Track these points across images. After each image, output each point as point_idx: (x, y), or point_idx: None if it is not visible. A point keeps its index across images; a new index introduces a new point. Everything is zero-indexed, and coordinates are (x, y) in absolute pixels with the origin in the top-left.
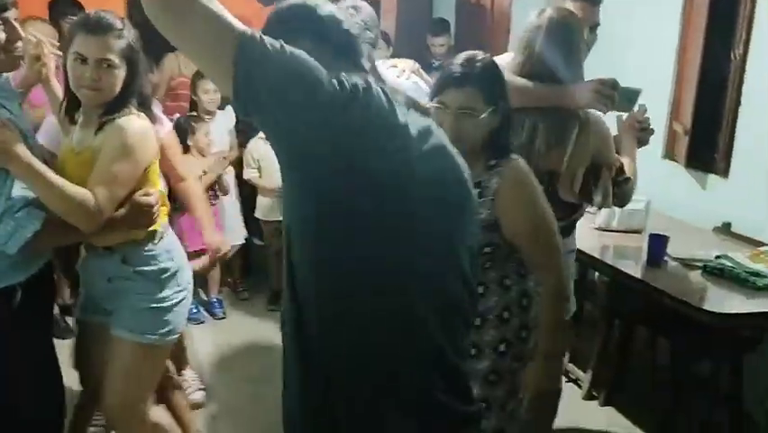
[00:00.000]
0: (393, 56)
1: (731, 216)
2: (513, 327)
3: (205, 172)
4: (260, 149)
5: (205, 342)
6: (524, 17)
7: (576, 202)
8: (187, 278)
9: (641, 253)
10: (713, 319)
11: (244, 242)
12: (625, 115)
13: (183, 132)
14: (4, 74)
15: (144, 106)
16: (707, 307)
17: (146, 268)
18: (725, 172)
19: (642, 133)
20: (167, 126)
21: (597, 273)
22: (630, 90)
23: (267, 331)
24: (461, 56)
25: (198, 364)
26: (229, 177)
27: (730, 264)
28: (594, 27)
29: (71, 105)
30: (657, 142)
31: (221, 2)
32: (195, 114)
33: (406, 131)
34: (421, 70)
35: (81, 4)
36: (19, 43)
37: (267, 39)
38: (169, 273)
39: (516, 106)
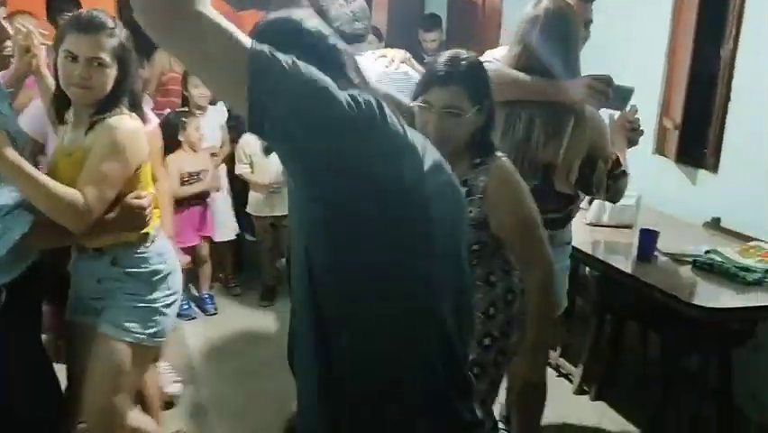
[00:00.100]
0: None
1: (721, 212)
2: (498, 322)
3: (198, 174)
4: (252, 144)
5: (197, 338)
6: (515, 12)
7: (572, 194)
8: (178, 281)
9: (631, 249)
10: (703, 314)
11: (236, 237)
12: (616, 115)
13: (173, 127)
14: None
15: (135, 106)
16: (696, 301)
17: (136, 270)
18: (714, 168)
19: (632, 133)
20: (152, 124)
21: (588, 268)
22: (624, 88)
23: (259, 327)
24: (446, 54)
25: (189, 360)
26: (221, 173)
27: (720, 259)
28: (587, 24)
29: (61, 104)
30: (648, 137)
31: None
32: (186, 109)
33: (415, 146)
34: (412, 60)
35: (79, 2)
36: (8, 42)
37: (279, 55)
38: (159, 276)
39: (512, 99)
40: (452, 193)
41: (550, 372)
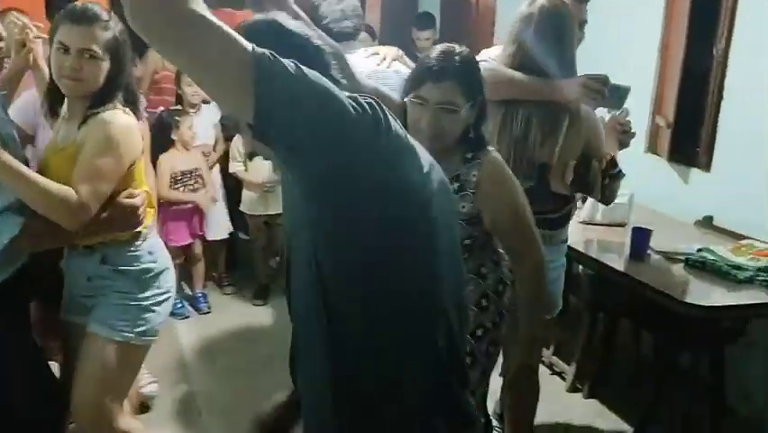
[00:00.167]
0: None
1: (713, 210)
2: (490, 313)
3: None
4: None
5: (190, 336)
6: (509, 11)
7: (567, 194)
8: (170, 280)
9: (624, 247)
10: (695, 312)
11: (229, 236)
12: (607, 117)
13: (166, 126)
14: None
15: (131, 103)
16: (688, 299)
17: (127, 268)
18: (707, 166)
19: (623, 135)
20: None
21: (581, 267)
22: (620, 88)
23: (252, 325)
24: (438, 48)
25: (183, 359)
26: (214, 173)
27: (712, 257)
28: (581, 24)
29: (54, 97)
30: (640, 136)
31: None
32: (179, 107)
33: (414, 146)
34: (405, 57)
35: None
36: (1, 43)
37: (282, 59)
38: (150, 274)
39: (508, 99)
40: (446, 192)
41: (543, 369)
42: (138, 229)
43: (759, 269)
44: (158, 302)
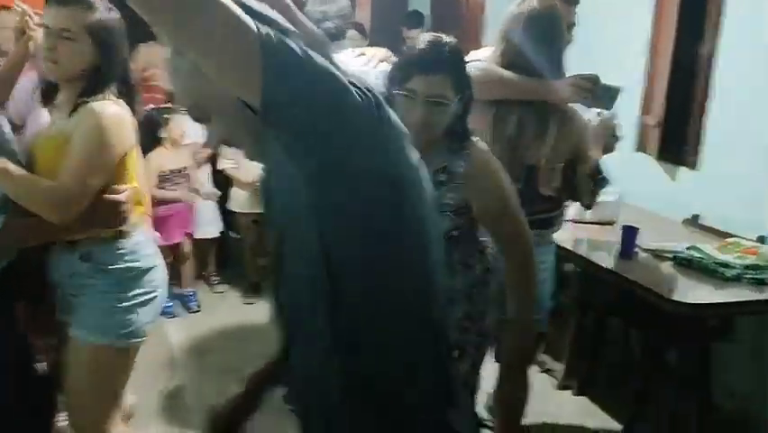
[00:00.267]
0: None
1: (701, 208)
2: (477, 303)
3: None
4: None
5: (179, 335)
6: (498, 9)
7: (554, 196)
8: (157, 278)
9: (613, 245)
10: (681, 309)
11: (220, 235)
12: (594, 121)
13: (155, 124)
14: None
15: (126, 95)
16: (675, 297)
17: (109, 266)
18: (695, 165)
19: (610, 139)
20: None
21: (570, 265)
22: (611, 88)
23: (242, 324)
24: (426, 38)
25: (172, 358)
26: (202, 172)
27: (700, 255)
28: (570, 26)
29: (48, 85)
30: (629, 135)
31: None
32: (169, 105)
33: (407, 134)
34: (393, 58)
35: None
36: None
37: (285, 38)
38: (134, 273)
39: (500, 99)
40: (429, 183)
41: (533, 367)
42: (123, 226)
43: (746, 267)
44: (142, 302)
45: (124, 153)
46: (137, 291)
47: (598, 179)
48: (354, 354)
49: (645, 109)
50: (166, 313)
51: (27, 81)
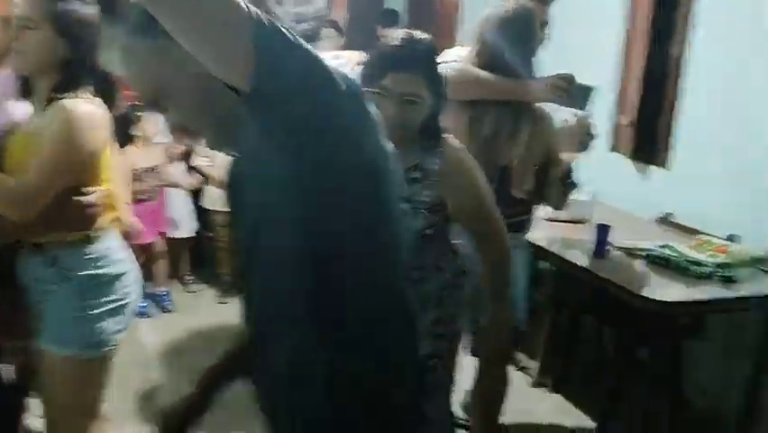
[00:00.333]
0: (344, 46)
1: (673, 207)
2: (449, 307)
3: (152, 169)
4: None
5: (153, 336)
6: (474, 8)
7: (526, 199)
8: (129, 285)
9: (587, 243)
10: (652, 307)
11: (194, 234)
12: (570, 120)
13: (128, 121)
14: None
15: (104, 93)
16: (648, 294)
17: (76, 272)
18: (667, 164)
19: (585, 138)
20: None
21: (545, 263)
22: (585, 87)
23: (217, 323)
24: (399, 36)
25: (146, 359)
26: (176, 169)
27: (672, 254)
28: (543, 25)
29: (24, 80)
30: (604, 135)
31: None
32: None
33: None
34: None
35: None
36: None
37: (275, 22)
38: (103, 280)
39: (476, 99)
40: (401, 178)
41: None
42: (90, 231)
43: (718, 265)
44: (111, 310)
45: (95, 154)
46: (105, 299)
47: (568, 183)
48: (342, 350)
49: (619, 109)
50: (139, 313)
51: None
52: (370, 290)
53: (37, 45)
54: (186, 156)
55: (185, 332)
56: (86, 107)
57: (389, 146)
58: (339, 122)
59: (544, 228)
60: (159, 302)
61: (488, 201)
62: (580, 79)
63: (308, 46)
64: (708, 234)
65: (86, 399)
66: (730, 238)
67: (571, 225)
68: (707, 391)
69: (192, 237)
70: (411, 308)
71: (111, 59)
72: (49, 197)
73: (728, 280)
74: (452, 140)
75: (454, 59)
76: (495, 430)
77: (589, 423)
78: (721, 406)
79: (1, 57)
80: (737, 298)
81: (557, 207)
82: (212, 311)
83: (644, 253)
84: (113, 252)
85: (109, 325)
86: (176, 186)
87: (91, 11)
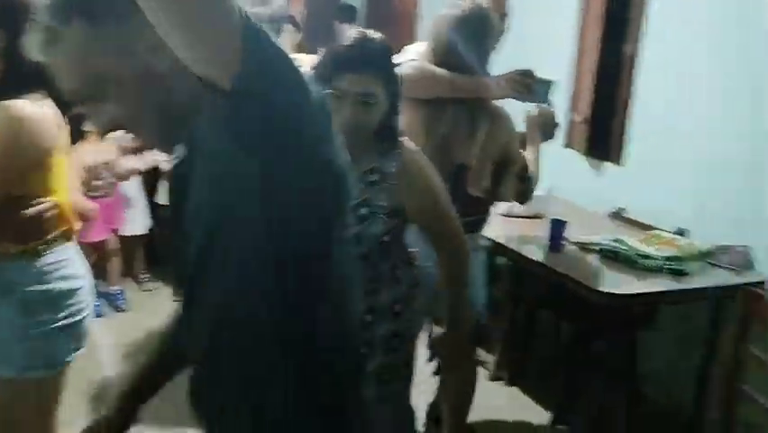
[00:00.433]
0: (302, 41)
1: (625, 202)
2: (405, 319)
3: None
4: None
5: (107, 336)
6: (432, 4)
7: (483, 197)
8: (82, 300)
9: (542, 239)
10: (606, 300)
11: (148, 231)
12: (533, 111)
13: (80, 118)
14: None
15: (55, 96)
16: (602, 288)
17: (22, 288)
18: (619, 160)
19: (548, 127)
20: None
21: (502, 259)
22: (545, 81)
23: None
24: (353, 35)
25: (99, 359)
26: (129, 162)
27: (623, 247)
28: (503, 17)
29: None
30: (558, 131)
31: None
32: None
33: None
34: None
35: None
36: None
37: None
38: (51, 295)
39: (434, 96)
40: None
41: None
42: (37, 244)
43: (666, 258)
44: (61, 328)
45: (41, 161)
46: (53, 316)
47: (527, 178)
48: (305, 353)
49: (573, 107)
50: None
51: None
52: (324, 291)
53: None
54: (139, 150)
55: (140, 332)
56: (28, 110)
57: (345, 153)
58: (310, 127)
59: (500, 224)
60: (112, 301)
61: (443, 201)
62: (539, 71)
63: (285, 50)
64: (658, 229)
65: (38, 424)
66: (679, 232)
67: (527, 220)
68: (661, 381)
69: (146, 234)
70: (355, 319)
71: (30, 43)
72: None
73: (678, 273)
74: (407, 141)
75: (413, 57)
76: (465, 430)
77: (545, 415)
78: (674, 396)
79: None
80: (688, 289)
81: (520, 201)
82: (168, 310)
83: (597, 248)
84: (64, 266)
85: (59, 344)
86: (129, 177)
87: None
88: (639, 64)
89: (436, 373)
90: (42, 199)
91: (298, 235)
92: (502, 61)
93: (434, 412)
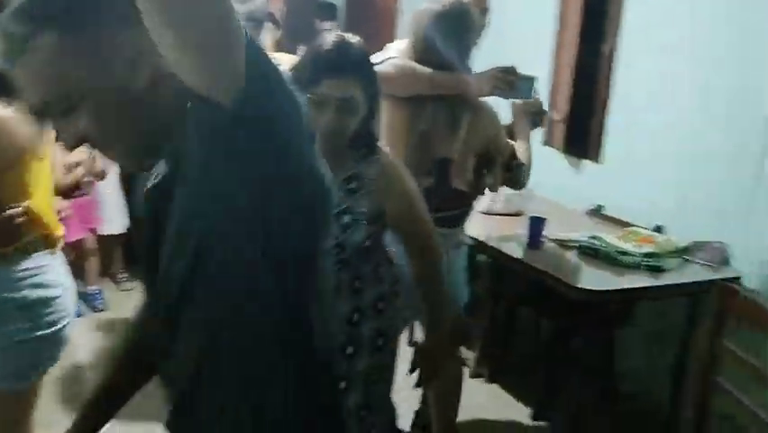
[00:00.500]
0: (281, 39)
1: (603, 199)
2: (388, 317)
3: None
4: None
5: (85, 337)
6: (413, 2)
7: (467, 191)
8: (62, 309)
9: (522, 236)
10: (584, 296)
11: (126, 230)
12: (519, 101)
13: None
14: None
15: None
16: (580, 284)
17: None
18: (598, 158)
19: (535, 115)
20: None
21: (482, 256)
22: (528, 78)
23: None
24: (330, 40)
25: (77, 360)
26: (105, 161)
27: (601, 244)
28: (484, 12)
29: None
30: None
31: None
32: None
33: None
34: None
35: None
36: None
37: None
38: (24, 303)
39: (416, 94)
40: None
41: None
42: (7, 251)
43: (644, 254)
44: (32, 339)
45: (11, 165)
46: (26, 325)
47: (515, 165)
48: (305, 353)
49: (552, 105)
50: None
51: None
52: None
53: None
54: None
55: (118, 332)
56: (2, 111)
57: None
58: (301, 139)
59: (480, 222)
60: (90, 302)
61: (417, 203)
62: (519, 67)
63: (275, 61)
64: (635, 226)
65: (9, 431)
66: (657, 229)
67: (507, 218)
68: (639, 379)
69: (124, 234)
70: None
71: None
72: None
73: (655, 270)
74: (384, 148)
75: (395, 54)
76: (453, 430)
77: (525, 411)
78: (652, 393)
79: None
80: (665, 286)
81: (515, 189)
82: None
83: (575, 244)
84: (42, 273)
85: (33, 353)
86: (105, 176)
87: None
88: (619, 58)
89: (418, 384)
90: (14, 204)
91: (294, 238)
92: (482, 57)
93: (421, 420)
